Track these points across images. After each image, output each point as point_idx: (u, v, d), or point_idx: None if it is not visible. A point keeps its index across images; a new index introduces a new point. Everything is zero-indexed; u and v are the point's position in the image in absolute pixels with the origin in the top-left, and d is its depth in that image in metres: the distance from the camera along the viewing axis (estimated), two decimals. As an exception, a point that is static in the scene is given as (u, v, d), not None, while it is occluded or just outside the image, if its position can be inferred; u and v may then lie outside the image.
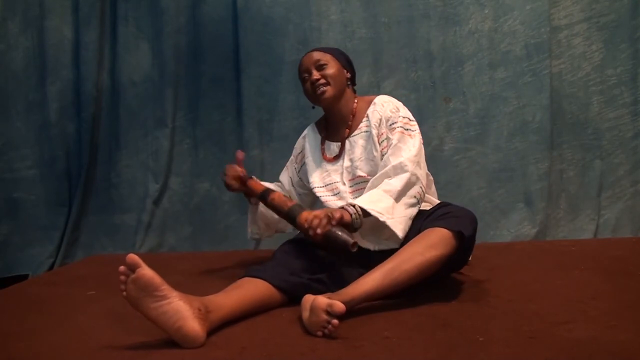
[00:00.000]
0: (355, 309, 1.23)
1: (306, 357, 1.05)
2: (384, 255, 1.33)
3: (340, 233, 1.31)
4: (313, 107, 1.68)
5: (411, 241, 1.31)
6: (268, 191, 1.57)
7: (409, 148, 1.48)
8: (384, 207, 1.37)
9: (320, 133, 1.69)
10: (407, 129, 1.52)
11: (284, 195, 1.56)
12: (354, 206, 1.36)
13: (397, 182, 1.42)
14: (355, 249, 1.29)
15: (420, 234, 1.32)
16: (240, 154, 1.65)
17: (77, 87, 2.57)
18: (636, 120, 2.34)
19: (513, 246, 2.18)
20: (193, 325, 1.09)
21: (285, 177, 1.79)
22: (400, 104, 1.59)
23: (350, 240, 1.29)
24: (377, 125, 1.54)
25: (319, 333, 1.13)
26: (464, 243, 1.31)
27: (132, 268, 1.09)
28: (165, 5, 2.52)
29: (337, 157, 1.61)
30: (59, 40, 2.56)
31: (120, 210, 2.59)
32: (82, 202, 2.57)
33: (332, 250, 1.37)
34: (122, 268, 1.10)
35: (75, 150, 2.59)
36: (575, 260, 1.80)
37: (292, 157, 1.79)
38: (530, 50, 2.33)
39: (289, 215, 1.47)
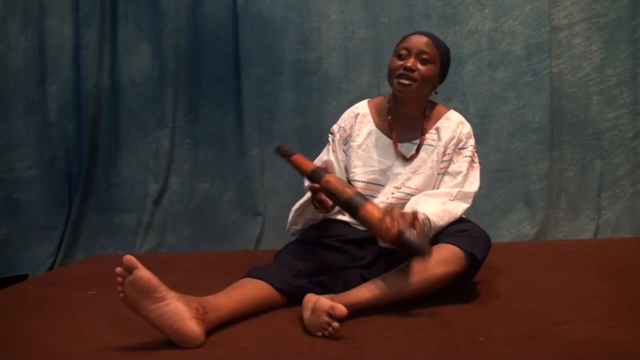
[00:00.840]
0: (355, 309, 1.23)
1: (306, 357, 1.05)
2: (387, 260, 1.32)
3: (415, 240, 1.20)
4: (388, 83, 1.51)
5: None
6: (320, 171, 1.33)
7: (473, 181, 1.48)
8: (440, 226, 1.36)
9: (378, 122, 1.55)
10: (474, 162, 1.51)
11: (339, 179, 1.36)
12: (425, 216, 1.31)
13: (457, 208, 1.41)
14: (428, 256, 1.22)
15: (433, 248, 1.28)
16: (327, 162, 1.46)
17: (77, 87, 2.57)
18: (636, 120, 2.34)
19: (513, 246, 2.18)
20: (191, 326, 1.09)
21: (332, 158, 1.57)
22: (472, 131, 1.54)
23: (427, 250, 1.20)
24: (447, 143, 1.49)
25: (319, 334, 1.13)
26: (475, 265, 1.31)
27: (129, 269, 1.09)
28: (165, 5, 2.52)
29: (412, 157, 1.50)
30: (59, 40, 2.56)
31: (120, 210, 2.59)
32: (82, 202, 2.57)
33: (398, 250, 1.25)
34: (118, 270, 1.09)
35: (75, 150, 2.59)
36: (575, 260, 1.80)
37: (335, 134, 1.59)
38: (530, 50, 2.33)
39: (350, 205, 1.29)
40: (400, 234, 1.19)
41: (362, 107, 1.58)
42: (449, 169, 1.49)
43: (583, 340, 1.05)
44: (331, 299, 1.16)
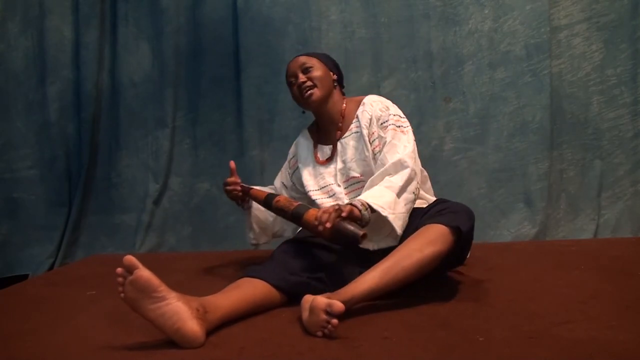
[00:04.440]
0: (355, 309, 1.23)
1: (305, 357, 1.05)
2: (383, 254, 1.32)
3: (349, 226, 1.29)
4: (303, 112, 1.71)
5: (409, 238, 1.31)
6: (272, 195, 1.57)
7: (404, 144, 1.49)
8: (386, 202, 1.37)
9: (312, 137, 1.71)
10: (400, 126, 1.52)
11: (288, 198, 1.56)
12: (361, 203, 1.36)
13: (399, 178, 1.42)
14: (365, 240, 1.28)
15: (418, 231, 1.32)
16: (232, 164, 1.69)
17: (77, 87, 2.57)
18: (636, 120, 2.34)
19: (513, 246, 2.18)
20: (192, 325, 1.09)
21: (278, 182, 1.82)
22: (389, 103, 1.59)
23: (360, 232, 1.28)
24: (368, 125, 1.56)
25: (319, 333, 1.13)
26: (462, 238, 1.31)
27: (130, 269, 1.09)
28: (165, 5, 2.52)
29: (330, 159, 1.63)
30: (59, 40, 2.56)
31: (120, 210, 2.59)
32: (82, 202, 2.58)
33: (341, 244, 1.35)
34: (119, 270, 1.09)
35: (75, 150, 2.59)
36: (575, 260, 1.80)
37: (285, 162, 1.81)
38: (530, 50, 2.33)
39: (295, 215, 1.44)
40: (334, 226, 1.28)
41: (300, 135, 1.77)
42: (382, 146, 1.53)
43: (583, 340, 1.05)
44: (328, 297, 1.16)
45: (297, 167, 1.72)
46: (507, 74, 2.36)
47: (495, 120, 2.37)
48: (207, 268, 1.95)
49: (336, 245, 1.42)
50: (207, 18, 2.52)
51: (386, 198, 1.38)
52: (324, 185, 1.62)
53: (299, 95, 1.59)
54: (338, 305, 1.11)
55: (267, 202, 1.57)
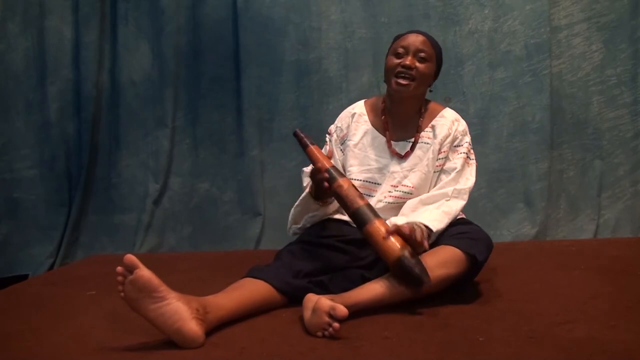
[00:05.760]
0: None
1: (306, 357, 1.05)
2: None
3: (415, 267, 1.21)
4: (384, 81, 1.53)
5: (424, 255, 1.28)
6: (336, 172, 1.34)
7: (469, 177, 1.49)
8: (441, 229, 1.37)
9: (374, 121, 1.56)
10: (470, 158, 1.52)
11: (353, 187, 1.36)
12: (427, 227, 1.32)
13: (455, 207, 1.43)
14: (426, 287, 1.23)
15: (435, 250, 1.31)
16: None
17: (77, 87, 2.57)
18: (636, 120, 2.34)
19: (513, 246, 2.17)
20: (191, 326, 1.09)
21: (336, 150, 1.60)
22: (467, 128, 1.55)
23: (425, 278, 1.21)
24: (442, 141, 1.50)
25: (319, 334, 1.13)
26: (476, 267, 1.31)
27: (130, 269, 1.09)
28: (165, 5, 2.52)
29: (407, 155, 1.51)
30: (59, 40, 2.56)
31: (120, 210, 2.58)
32: (82, 202, 2.57)
33: (396, 273, 1.26)
34: (119, 269, 1.09)
35: (75, 150, 2.59)
36: (575, 260, 1.80)
37: (332, 134, 1.61)
38: (530, 50, 2.33)
39: (356, 216, 1.31)
40: (402, 258, 1.21)
41: (359, 107, 1.60)
42: (445, 167, 1.51)
43: (583, 340, 1.05)
44: (332, 299, 1.16)
45: (346, 144, 1.56)
46: (507, 74, 2.36)
47: (495, 120, 2.37)
48: (207, 268, 1.94)
49: (394, 271, 1.28)
50: (207, 18, 2.52)
51: (443, 224, 1.37)
52: (369, 180, 1.52)
53: (394, 73, 1.44)
54: (342, 310, 1.11)
55: (330, 178, 1.31)
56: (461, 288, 1.39)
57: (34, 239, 2.52)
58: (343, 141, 1.58)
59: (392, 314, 1.26)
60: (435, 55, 1.49)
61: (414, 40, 1.45)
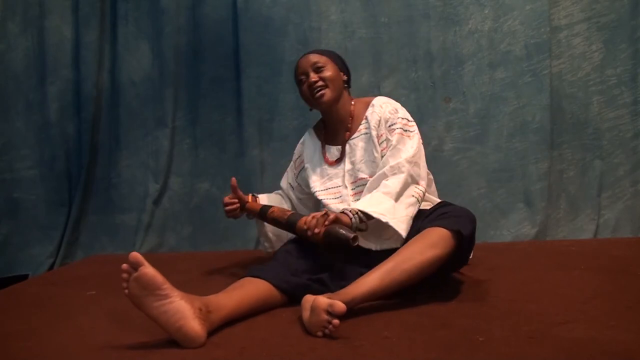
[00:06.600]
0: (355, 309, 1.23)
1: (306, 357, 1.05)
2: (385, 254, 1.33)
3: (339, 229, 1.31)
4: (310, 110, 1.70)
5: (410, 241, 1.32)
6: (266, 208, 1.60)
7: (407, 149, 1.51)
8: (385, 208, 1.39)
9: (318, 137, 1.71)
10: (406, 130, 1.54)
11: (282, 208, 1.59)
12: (352, 210, 1.38)
13: (395, 183, 1.44)
14: (356, 243, 1.30)
15: (420, 234, 1.32)
16: (233, 181, 1.66)
17: (77, 87, 2.57)
18: (636, 120, 2.34)
19: (513, 246, 2.18)
20: (194, 325, 1.09)
21: (285, 183, 1.83)
22: (398, 105, 1.60)
23: (351, 235, 1.29)
24: (377, 126, 1.56)
25: (319, 333, 1.13)
26: (463, 242, 1.32)
27: (135, 266, 1.10)
28: (165, 5, 2.52)
29: (339, 160, 1.62)
30: (59, 40, 2.56)
31: (120, 210, 2.59)
32: (82, 202, 2.58)
33: (334, 248, 1.36)
34: (124, 266, 1.10)
35: (75, 150, 2.59)
36: (575, 260, 1.80)
37: (291, 163, 1.81)
38: (530, 50, 2.33)
39: (288, 224, 1.48)
40: (326, 231, 1.32)
41: (306, 135, 1.77)
42: (388, 148, 1.54)
43: (583, 340, 1.05)
44: (329, 297, 1.16)
45: (303, 167, 1.72)
46: (507, 74, 2.36)
47: (495, 120, 2.37)
48: (207, 268, 1.94)
49: (331, 251, 1.40)
50: (207, 18, 2.52)
51: (385, 204, 1.40)
52: (331, 187, 1.62)
53: (309, 94, 1.59)
54: (340, 306, 1.11)
55: (262, 214, 1.60)
56: (458, 267, 1.48)
57: (34, 239, 2.52)
58: (301, 168, 1.73)
59: (392, 314, 1.26)
60: (330, 58, 1.60)
61: (305, 62, 1.59)
